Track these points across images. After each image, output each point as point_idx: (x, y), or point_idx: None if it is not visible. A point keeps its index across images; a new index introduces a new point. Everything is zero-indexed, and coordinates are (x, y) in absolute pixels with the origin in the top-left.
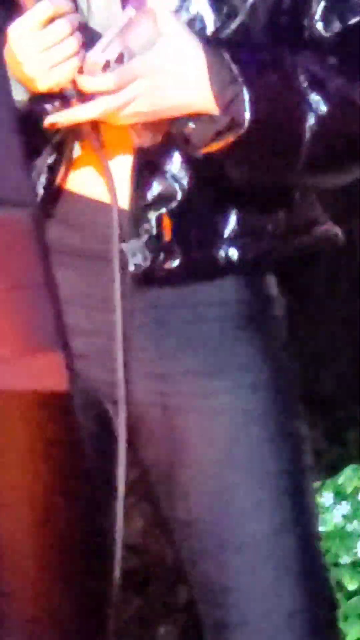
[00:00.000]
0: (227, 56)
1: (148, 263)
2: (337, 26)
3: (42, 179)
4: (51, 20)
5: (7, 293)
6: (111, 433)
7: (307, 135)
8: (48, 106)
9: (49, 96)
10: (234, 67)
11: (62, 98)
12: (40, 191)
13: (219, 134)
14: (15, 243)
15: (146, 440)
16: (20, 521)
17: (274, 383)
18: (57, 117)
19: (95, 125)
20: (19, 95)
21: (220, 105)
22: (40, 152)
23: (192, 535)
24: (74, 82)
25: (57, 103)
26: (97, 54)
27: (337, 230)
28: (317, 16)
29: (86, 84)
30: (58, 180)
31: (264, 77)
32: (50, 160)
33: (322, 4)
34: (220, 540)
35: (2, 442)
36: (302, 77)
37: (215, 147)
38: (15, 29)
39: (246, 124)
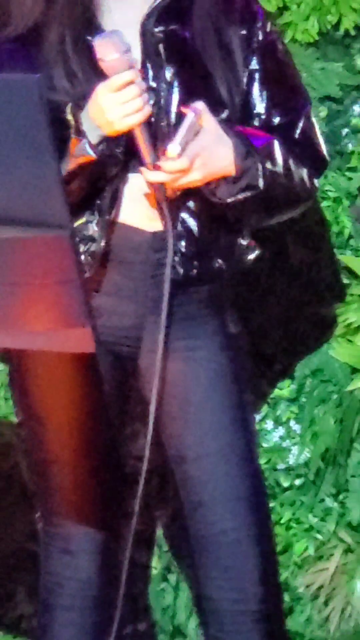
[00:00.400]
0: (243, 137)
1: (182, 272)
2: (277, 120)
3: (100, 214)
4: (127, 84)
5: (51, 286)
6: (127, 379)
7: (279, 192)
8: (117, 150)
9: (114, 141)
10: (249, 146)
11: (125, 147)
12: (104, 220)
13: (240, 191)
14: (56, 252)
15: (150, 381)
16: (64, 432)
17: (233, 344)
18: (147, 174)
19: (162, 184)
20: (94, 139)
21: (238, 172)
22: (99, 194)
23: (178, 444)
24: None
25: (121, 149)
26: (176, 147)
27: (259, 249)
28: (262, 112)
29: (171, 167)
30: (113, 214)
31: (262, 153)
32: (102, 205)
33: (264, 104)
34: (193, 446)
35: (53, 383)
36: (276, 152)
37: (236, 200)
38: (103, 88)
39: (261, 186)
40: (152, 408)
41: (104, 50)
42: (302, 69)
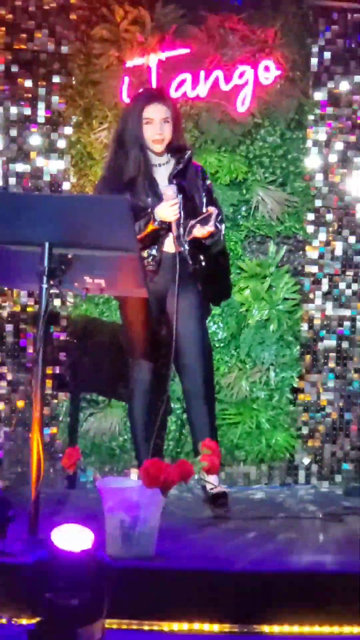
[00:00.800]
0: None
1: (185, 269)
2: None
3: (158, 247)
4: (174, 204)
5: (131, 274)
6: (160, 306)
7: (219, 239)
8: (164, 225)
9: (165, 223)
10: (218, 225)
11: (168, 228)
12: (159, 250)
13: (210, 240)
14: (133, 262)
15: (169, 305)
16: (138, 326)
17: (200, 295)
18: (198, 231)
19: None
20: (158, 221)
21: (211, 232)
22: (157, 241)
23: (180, 329)
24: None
25: (166, 224)
26: (211, 226)
27: (204, 262)
28: (205, 209)
29: (201, 232)
30: (161, 247)
31: (219, 225)
32: (159, 244)
33: (206, 209)
34: (186, 331)
35: (134, 307)
36: (220, 225)
37: (209, 242)
38: (165, 204)
39: (217, 238)
40: (175, 320)
41: (167, 192)
42: (222, 194)
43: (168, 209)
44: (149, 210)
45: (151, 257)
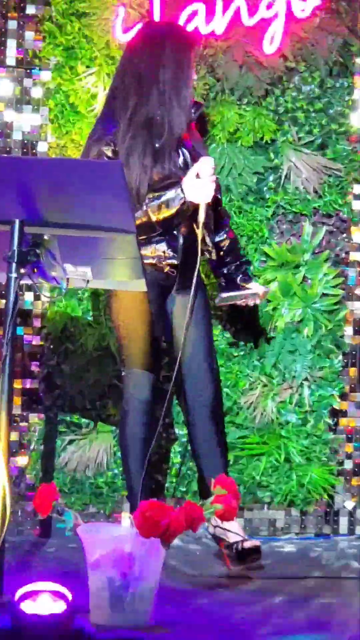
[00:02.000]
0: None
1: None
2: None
3: (181, 239)
4: (209, 180)
5: (127, 260)
6: (164, 301)
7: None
8: (183, 221)
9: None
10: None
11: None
12: (181, 241)
13: None
14: (129, 244)
15: (176, 307)
16: (131, 325)
17: (206, 297)
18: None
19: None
20: (186, 200)
21: None
22: (177, 231)
23: (188, 331)
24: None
25: (190, 208)
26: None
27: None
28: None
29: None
30: (180, 232)
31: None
32: (182, 235)
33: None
34: (192, 331)
35: (128, 304)
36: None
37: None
38: (198, 181)
39: None
40: (188, 316)
41: (204, 165)
42: (244, 159)
43: (204, 188)
44: (178, 181)
45: (170, 248)
